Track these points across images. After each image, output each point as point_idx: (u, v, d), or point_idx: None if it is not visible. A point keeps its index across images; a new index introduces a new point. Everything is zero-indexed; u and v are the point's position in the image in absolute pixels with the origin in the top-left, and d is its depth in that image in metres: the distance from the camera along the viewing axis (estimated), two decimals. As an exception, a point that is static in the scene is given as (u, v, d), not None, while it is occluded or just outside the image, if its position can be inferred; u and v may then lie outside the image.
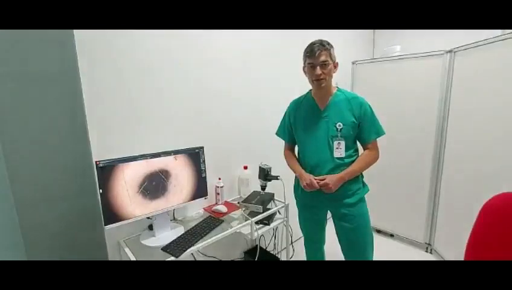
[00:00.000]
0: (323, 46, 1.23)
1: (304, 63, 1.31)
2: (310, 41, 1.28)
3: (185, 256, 1.20)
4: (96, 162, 1.12)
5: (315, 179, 1.30)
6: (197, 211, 1.65)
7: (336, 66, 1.30)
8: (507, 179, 1.50)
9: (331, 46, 1.27)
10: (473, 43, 1.73)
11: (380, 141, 1.36)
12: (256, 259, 1.63)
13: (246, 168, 1.85)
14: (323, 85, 1.28)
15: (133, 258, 1.17)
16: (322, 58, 1.23)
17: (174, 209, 1.46)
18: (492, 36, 1.59)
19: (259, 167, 1.62)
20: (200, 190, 1.47)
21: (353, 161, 1.33)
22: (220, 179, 1.71)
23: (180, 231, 1.38)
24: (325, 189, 1.28)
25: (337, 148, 1.30)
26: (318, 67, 1.24)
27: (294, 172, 1.45)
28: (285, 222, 1.70)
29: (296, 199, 1.56)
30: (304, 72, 1.35)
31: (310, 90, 1.43)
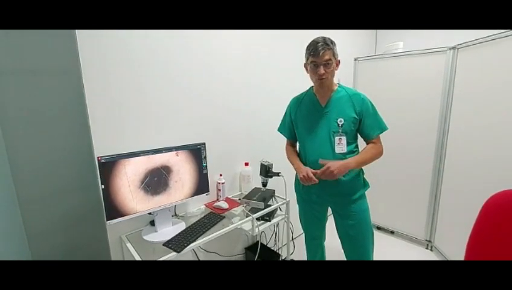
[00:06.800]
0: (327, 45, 1.22)
1: (307, 61, 1.30)
2: (313, 38, 1.26)
3: (186, 251, 1.21)
4: (98, 157, 1.13)
5: (313, 172, 1.27)
6: (198, 207, 1.65)
7: (338, 63, 1.29)
8: (509, 177, 1.50)
9: (334, 44, 1.25)
10: (476, 39, 1.72)
11: (382, 137, 1.36)
12: (257, 255, 1.64)
13: (247, 164, 1.85)
14: (324, 83, 1.28)
15: (134, 254, 1.18)
16: (326, 57, 1.22)
17: (175, 205, 1.47)
18: (495, 33, 1.58)
19: (261, 163, 1.62)
20: (201, 186, 1.48)
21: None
22: (221, 175, 1.71)
23: (181, 226, 1.39)
24: (328, 175, 1.21)
25: (338, 143, 1.30)
26: (321, 67, 1.23)
27: (293, 165, 1.45)
28: (286, 219, 1.71)
29: (296, 194, 1.56)
30: (306, 68, 1.34)
31: (312, 86, 1.42)
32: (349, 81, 2.52)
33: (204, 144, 1.47)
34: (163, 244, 1.22)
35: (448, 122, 2.01)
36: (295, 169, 1.42)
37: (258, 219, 1.55)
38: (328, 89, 1.34)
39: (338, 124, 1.29)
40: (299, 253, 1.96)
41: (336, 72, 1.30)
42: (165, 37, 1.39)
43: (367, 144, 1.37)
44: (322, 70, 1.23)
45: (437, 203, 2.15)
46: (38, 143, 1.12)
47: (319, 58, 1.22)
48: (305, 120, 1.40)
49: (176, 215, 1.53)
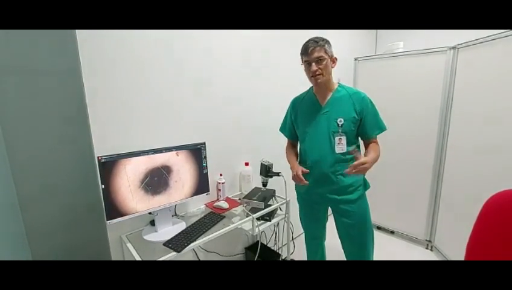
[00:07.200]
0: (317, 42, 1.24)
1: (302, 61, 1.32)
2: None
3: (187, 251, 1.21)
4: (98, 157, 1.13)
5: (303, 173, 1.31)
6: (198, 206, 1.65)
7: (334, 61, 1.30)
8: (509, 177, 1.50)
9: (326, 42, 1.26)
10: (476, 39, 1.72)
11: (382, 137, 1.36)
12: (257, 255, 1.64)
13: (247, 164, 1.85)
14: (319, 80, 1.28)
15: (135, 254, 1.18)
16: (315, 54, 1.23)
17: (175, 205, 1.47)
18: (495, 33, 1.58)
19: (261, 163, 1.62)
20: (201, 185, 1.48)
21: (354, 158, 1.34)
22: (221, 175, 1.71)
23: (181, 226, 1.39)
24: (361, 170, 1.16)
25: (338, 143, 1.30)
26: (313, 64, 1.25)
27: (289, 164, 1.46)
28: (286, 218, 1.71)
29: (297, 194, 1.56)
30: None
31: (312, 87, 1.42)
32: (349, 81, 2.52)
33: (204, 143, 1.47)
34: (164, 244, 1.22)
35: (448, 122, 2.01)
36: (290, 168, 1.43)
37: (258, 219, 1.55)
38: (328, 88, 1.34)
39: (338, 124, 1.29)
40: (299, 253, 1.97)
41: (332, 69, 1.31)
42: (165, 37, 1.39)
43: (366, 144, 1.36)
44: (314, 67, 1.25)
45: (437, 203, 2.15)
46: (38, 143, 1.12)
47: (309, 56, 1.24)
48: (305, 120, 1.40)
49: (176, 215, 1.53)
